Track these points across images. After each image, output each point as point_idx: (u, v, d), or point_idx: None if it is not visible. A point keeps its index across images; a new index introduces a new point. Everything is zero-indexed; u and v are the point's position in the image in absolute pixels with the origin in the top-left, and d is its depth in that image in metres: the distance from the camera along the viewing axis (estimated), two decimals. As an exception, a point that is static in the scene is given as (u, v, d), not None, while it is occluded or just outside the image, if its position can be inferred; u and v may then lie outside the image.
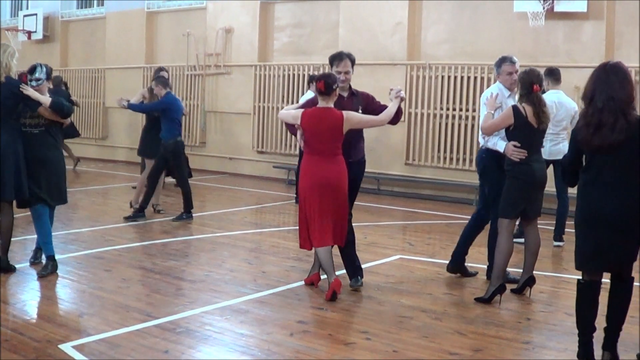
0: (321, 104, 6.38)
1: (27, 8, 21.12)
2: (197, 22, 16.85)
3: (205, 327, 5.51)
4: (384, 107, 6.70)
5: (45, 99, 6.70)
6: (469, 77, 12.75)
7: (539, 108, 6.23)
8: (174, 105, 10.20)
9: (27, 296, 6.34)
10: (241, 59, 16.12)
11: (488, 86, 12.41)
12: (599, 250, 4.62)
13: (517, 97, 6.57)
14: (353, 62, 6.73)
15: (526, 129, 6.24)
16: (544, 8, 11.59)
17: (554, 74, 8.89)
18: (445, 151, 13.15)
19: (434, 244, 9.25)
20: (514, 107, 6.30)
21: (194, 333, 5.37)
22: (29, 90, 6.64)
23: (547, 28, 11.81)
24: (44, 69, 6.93)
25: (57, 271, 6.97)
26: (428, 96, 13.26)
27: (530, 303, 6.39)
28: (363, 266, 7.58)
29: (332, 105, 6.36)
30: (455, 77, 12.92)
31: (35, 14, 20.12)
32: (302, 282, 6.87)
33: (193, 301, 6.20)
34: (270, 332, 5.43)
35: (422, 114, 13.36)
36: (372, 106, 6.71)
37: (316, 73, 13.84)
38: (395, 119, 6.67)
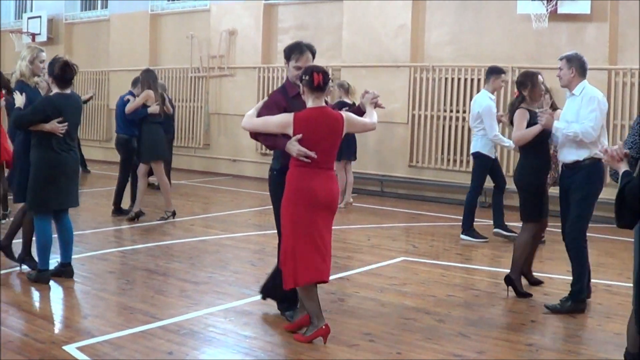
0: (314, 102, 5.22)
1: (32, 10, 21.20)
2: (200, 24, 16.87)
3: (209, 329, 5.52)
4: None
5: (19, 100, 6.67)
6: (472, 79, 12.74)
7: None
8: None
9: (31, 297, 6.35)
10: (245, 61, 16.13)
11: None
12: None
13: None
14: (314, 55, 5.69)
15: None
16: (547, 10, 11.59)
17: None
18: (448, 153, 13.14)
19: (438, 245, 9.25)
20: None
21: (198, 335, 5.38)
22: (16, 94, 6.72)
23: (550, 30, 11.81)
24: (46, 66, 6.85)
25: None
26: (431, 98, 13.27)
27: (534, 305, 6.38)
28: (367, 268, 7.63)
29: (324, 104, 5.37)
30: (459, 79, 12.92)
31: (40, 17, 20.19)
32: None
33: (197, 303, 6.20)
34: (274, 334, 5.44)
35: (425, 116, 13.36)
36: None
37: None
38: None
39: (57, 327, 5.55)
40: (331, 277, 7.04)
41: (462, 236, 9.39)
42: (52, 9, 20.28)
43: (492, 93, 9.47)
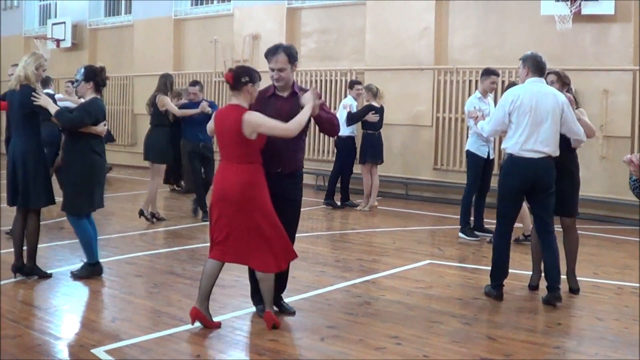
0: (230, 99, 5.62)
1: (56, 16, 21.40)
2: (224, 29, 16.96)
3: (235, 332, 5.54)
4: (331, 114, 5.98)
5: (52, 108, 6.74)
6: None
7: None
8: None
9: (58, 301, 6.39)
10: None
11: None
12: None
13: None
14: (291, 56, 5.90)
15: None
16: (571, 11, 11.54)
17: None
18: (473, 155, 13.09)
19: (464, 249, 9.21)
20: None
21: (225, 338, 5.40)
22: (39, 100, 6.73)
23: (574, 31, 11.74)
24: (82, 71, 6.91)
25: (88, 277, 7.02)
26: (456, 101, 13.24)
27: (561, 308, 6.34)
28: (393, 271, 7.63)
29: (244, 103, 5.56)
30: (483, 81, 12.87)
31: (64, 23, 20.39)
32: (332, 287, 6.88)
33: (223, 306, 6.22)
34: (301, 337, 5.45)
35: (450, 119, 13.34)
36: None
37: (352, 78, 13.88)
38: (332, 131, 6.06)
39: (85, 330, 5.58)
40: (357, 280, 7.14)
41: (459, 234, 9.73)
42: (76, 15, 20.48)
43: (484, 94, 9.64)
